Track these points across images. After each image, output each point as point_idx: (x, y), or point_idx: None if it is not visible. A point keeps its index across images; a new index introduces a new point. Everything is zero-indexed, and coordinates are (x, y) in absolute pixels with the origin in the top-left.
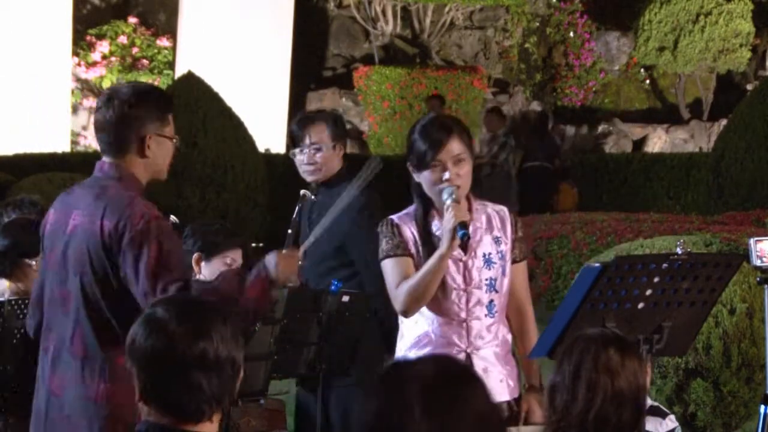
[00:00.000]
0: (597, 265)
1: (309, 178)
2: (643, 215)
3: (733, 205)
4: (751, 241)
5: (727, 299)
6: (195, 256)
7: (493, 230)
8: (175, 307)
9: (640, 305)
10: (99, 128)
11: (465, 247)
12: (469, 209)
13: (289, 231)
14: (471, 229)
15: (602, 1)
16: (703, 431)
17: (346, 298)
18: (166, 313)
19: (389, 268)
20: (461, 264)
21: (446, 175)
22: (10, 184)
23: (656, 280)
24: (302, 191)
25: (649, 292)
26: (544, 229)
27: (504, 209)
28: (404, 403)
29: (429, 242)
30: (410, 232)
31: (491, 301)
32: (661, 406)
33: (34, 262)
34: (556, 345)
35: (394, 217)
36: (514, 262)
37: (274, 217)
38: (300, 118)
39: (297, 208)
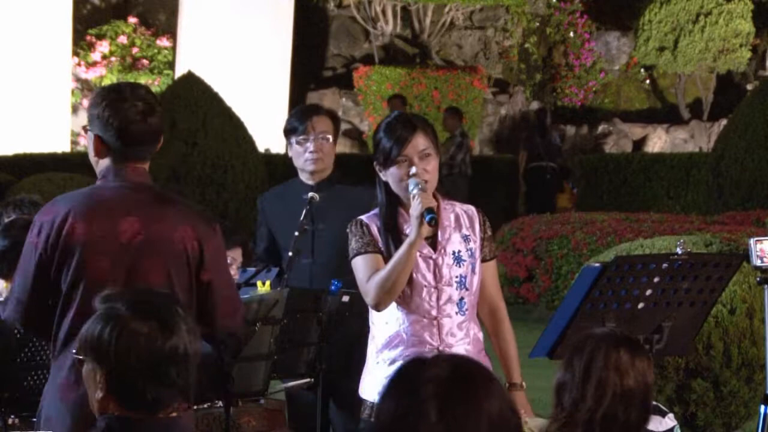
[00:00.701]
0: (597, 265)
1: (311, 168)
2: (643, 215)
3: (733, 205)
4: (751, 241)
5: (727, 299)
6: None
7: (462, 228)
8: (136, 303)
9: (640, 305)
10: (153, 137)
11: (434, 245)
12: (437, 207)
13: (296, 233)
14: (439, 227)
15: (602, 1)
16: (703, 431)
17: (346, 298)
18: (129, 311)
19: (360, 264)
20: (431, 261)
21: (413, 170)
22: (10, 184)
23: (656, 280)
24: (310, 194)
25: (649, 292)
26: (544, 229)
27: (472, 208)
28: (419, 404)
29: (398, 240)
30: (378, 231)
31: (462, 298)
32: (660, 405)
33: None
34: (556, 345)
35: (362, 217)
36: (484, 260)
37: None
38: (303, 109)
39: (304, 211)
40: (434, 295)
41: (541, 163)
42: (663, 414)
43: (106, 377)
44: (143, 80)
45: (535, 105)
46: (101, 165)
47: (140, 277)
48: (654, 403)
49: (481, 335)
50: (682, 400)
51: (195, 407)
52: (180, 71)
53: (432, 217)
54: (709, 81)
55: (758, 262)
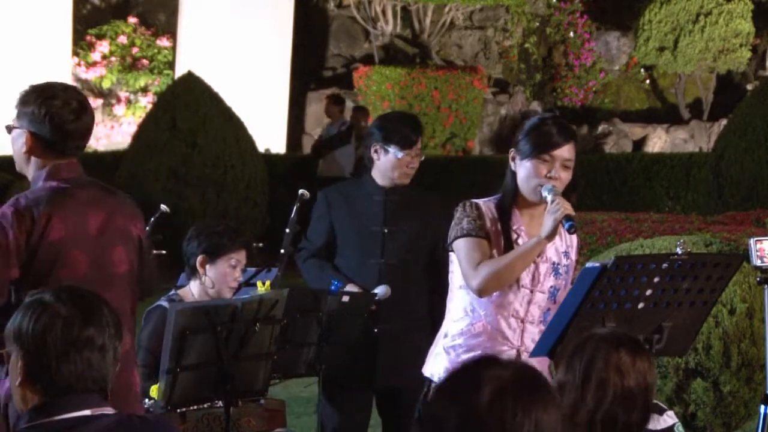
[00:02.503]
0: (597, 265)
1: (405, 181)
2: (643, 215)
3: (733, 205)
4: (751, 241)
5: (727, 299)
6: (200, 258)
7: (563, 244)
8: (62, 292)
9: (640, 305)
10: (87, 134)
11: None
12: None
13: (287, 230)
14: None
15: (602, 1)
16: (703, 431)
17: (346, 298)
18: (52, 298)
19: (468, 246)
20: (533, 264)
21: (553, 173)
22: (10, 184)
23: (656, 280)
24: (300, 191)
25: (649, 292)
26: None
27: None
28: (476, 400)
29: (507, 232)
30: (491, 217)
31: (548, 309)
32: (659, 403)
33: None
34: (556, 345)
35: (477, 200)
36: (572, 283)
37: (274, 217)
38: (415, 121)
39: (294, 208)
40: (527, 297)
41: None
42: (661, 412)
43: (24, 360)
44: (143, 80)
45: (535, 105)
46: (36, 163)
47: (109, 268)
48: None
49: None
50: (682, 400)
51: (195, 407)
52: (180, 71)
53: (572, 225)
54: (709, 81)
55: (758, 262)
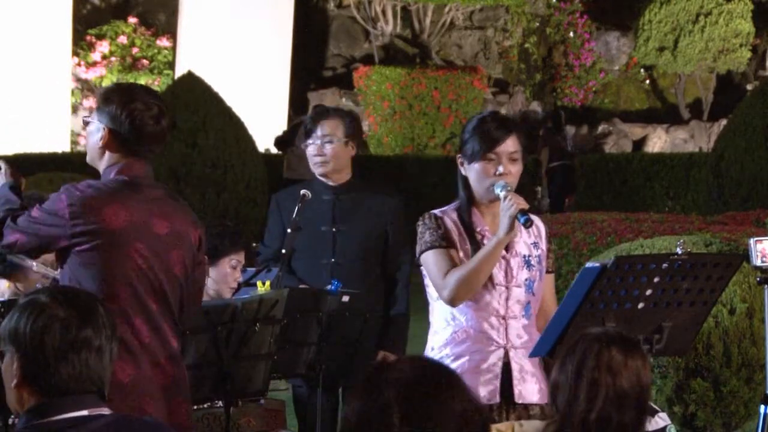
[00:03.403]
0: (597, 265)
1: (318, 170)
2: (643, 215)
3: (733, 205)
4: (751, 241)
5: (727, 299)
6: None
7: (531, 235)
8: (58, 294)
9: (640, 305)
10: (162, 139)
11: (507, 245)
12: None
13: (289, 230)
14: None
15: (602, 1)
16: (703, 431)
17: (346, 298)
18: (48, 299)
19: (434, 258)
20: (503, 261)
21: (500, 169)
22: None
23: (656, 280)
24: (302, 191)
25: (649, 292)
26: None
27: (538, 219)
28: (383, 407)
29: (472, 236)
30: (453, 225)
31: (528, 302)
32: (652, 404)
33: (34, 264)
34: (556, 345)
35: (436, 211)
36: (546, 272)
37: None
38: (314, 112)
39: (297, 208)
40: (504, 294)
41: (564, 161)
42: (653, 413)
43: (21, 362)
44: (143, 80)
45: (535, 105)
46: (110, 158)
47: (167, 267)
48: None
49: None
50: (682, 400)
51: (195, 407)
52: (180, 71)
53: (527, 219)
54: (709, 81)
55: (758, 262)
